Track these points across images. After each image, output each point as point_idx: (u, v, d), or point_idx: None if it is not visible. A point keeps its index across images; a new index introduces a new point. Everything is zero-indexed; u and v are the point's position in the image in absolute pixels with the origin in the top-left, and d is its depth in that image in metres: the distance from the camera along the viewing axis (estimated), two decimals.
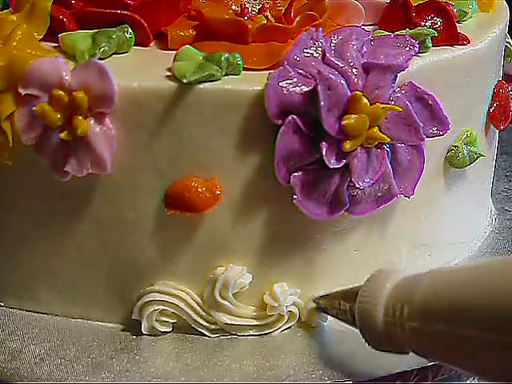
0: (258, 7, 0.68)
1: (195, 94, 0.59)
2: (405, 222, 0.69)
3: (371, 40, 0.63)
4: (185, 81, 0.58)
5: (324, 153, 0.59)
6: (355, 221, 0.65)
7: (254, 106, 0.59)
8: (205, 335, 0.65)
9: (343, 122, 0.58)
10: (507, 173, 0.93)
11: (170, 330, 0.65)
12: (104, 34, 0.62)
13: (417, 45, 0.63)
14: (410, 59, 0.63)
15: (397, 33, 0.65)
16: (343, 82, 0.59)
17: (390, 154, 0.63)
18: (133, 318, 0.65)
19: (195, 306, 0.64)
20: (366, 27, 0.69)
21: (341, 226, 0.65)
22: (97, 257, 0.64)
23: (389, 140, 0.61)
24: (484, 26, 0.73)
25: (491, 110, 0.73)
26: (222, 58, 0.60)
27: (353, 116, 0.59)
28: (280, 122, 0.59)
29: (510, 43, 0.81)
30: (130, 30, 0.64)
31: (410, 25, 0.67)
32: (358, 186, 0.61)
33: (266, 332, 0.66)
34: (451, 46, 0.67)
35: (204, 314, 0.64)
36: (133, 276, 0.64)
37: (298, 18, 0.65)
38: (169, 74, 0.59)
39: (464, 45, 0.68)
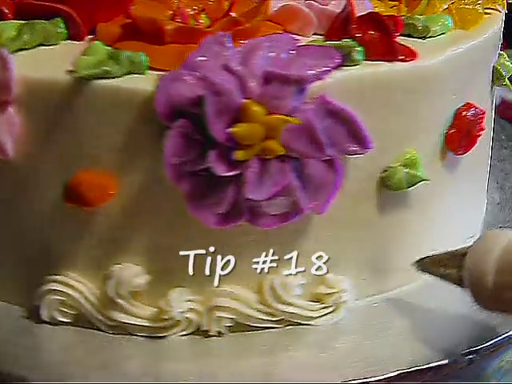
0: (198, 9, 0.67)
1: (91, 89, 0.59)
2: (325, 241, 0.66)
3: (292, 49, 0.61)
4: (77, 75, 0.58)
5: (211, 160, 0.58)
6: (263, 233, 0.63)
7: (147, 106, 0.58)
8: (102, 331, 0.65)
9: (229, 130, 0.57)
10: None
11: (71, 320, 0.66)
12: (29, 25, 0.64)
13: (339, 57, 0.61)
14: (328, 71, 0.60)
15: (321, 43, 0.63)
16: (234, 88, 0.57)
17: (297, 168, 0.60)
18: (35, 304, 0.66)
19: (93, 300, 0.65)
20: (315, 37, 0.67)
21: (244, 237, 0.63)
22: (7, 240, 0.66)
23: (283, 152, 0.58)
24: (450, 43, 0.68)
25: (448, 133, 0.69)
26: (123, 56, 0.60)
27: (242, 124, 0.57)
28: (170, 124, 0.58)
29: (504, 64, 0.76)
30: (61, 24, 0.65)
31: (346, 37, 0.64)
32: (250, 197, 0.59)
33: (162, 335, 0.65)
34: (390, 61, 0.64)
35: (101, 309, 0.65)
36: (39, 263, 0.66)
37: (220, 22, 0.64)
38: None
39: (406, 61, 0.64)
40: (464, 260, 0.62)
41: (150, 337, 0.65)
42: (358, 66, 0.63)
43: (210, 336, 0.65)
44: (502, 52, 0.77)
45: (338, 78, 0.61)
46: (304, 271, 0.66)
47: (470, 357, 0.64)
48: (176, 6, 0.66)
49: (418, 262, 0.67)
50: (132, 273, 0.63)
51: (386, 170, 0.66)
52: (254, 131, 0.57)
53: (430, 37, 0.69)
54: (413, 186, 0.67)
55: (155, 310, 0.64)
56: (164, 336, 0.65)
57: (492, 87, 0.76)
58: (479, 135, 0.71)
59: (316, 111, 0.60)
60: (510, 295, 0.59)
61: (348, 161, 0.63)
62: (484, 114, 0.71)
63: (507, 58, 0.78)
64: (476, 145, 0.72)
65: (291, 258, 0.65)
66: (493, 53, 0.74)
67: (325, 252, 0.66)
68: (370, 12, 0.65)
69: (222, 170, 0.58)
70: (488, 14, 0.76)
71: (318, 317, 0.67)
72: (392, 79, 0.63)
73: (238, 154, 0.58)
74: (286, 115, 0.58)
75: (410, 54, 0.65)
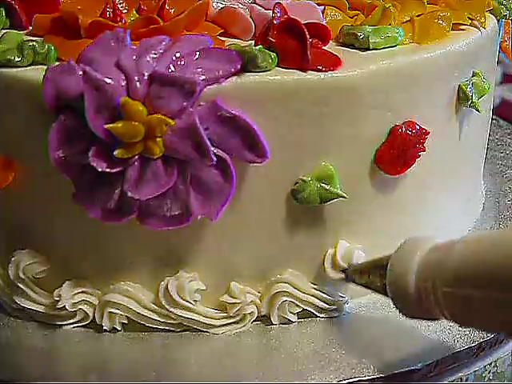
0: (134, 6, 0.68)
1: None
2: (228, 249, 0.65)
3: (197, 51, 0.60)
4: None
5: (91, 155, 0.58)
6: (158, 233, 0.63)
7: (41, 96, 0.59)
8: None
9: (106, 126, 0.57)
10: None
11: None
12: None
13: (239, 62, 0.59)
14: (225, 76, 0.59)
15: (228, 47, 0.62)
16: (117, 85, 0.57)
17: (187, 172, 0.60)
18: None
19: (1, 282, 0.67)
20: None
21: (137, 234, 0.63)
22: None
23: (162, 153, 0.58)
24: (387, 56, 0.65)
25: (378, 151, 0.65)
26: (26, 47, 0.61)
27: (121, 122, 0.57)
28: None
29: (476, 84, 0.71)
30: (2, 12, 0.67)
31: (265, 44, 0.63)
32: (130, 195, 0.59)
33: (59, 323, 0.66)
34: (303, 70, 0.61)
35: (6, 292, 0.67)
36: None
37: (133, 18, 0.64)
38: None
39: (322, 71, 0.61)
40: (386, 268, 0.61)
41: (48, 324, 0.66)
42: (265, 73, 0.61)
43: (105, 331, 0.65)
44: (478, 71, 0.72)
45: (239, 84, 0.60)
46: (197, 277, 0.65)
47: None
48: (110, 2, 0.67)
49: (343, 271, 0.67)
50: (31, 259, 0.64)
51: (297, 183, 0.63)
52: (134, 129, 0.57)
53: (374, 48, 0.66)
54: (327, 201, 0.64)
55: (52, 298, 0.65)
56: (60, 325, 0.66)
57: (459, 107, 0.71)
58: (417, 156, 0.66)
59: (204, 115, 0.59)
60: (429, 302, 0.58)
61: (253, 169, 0.61)
62: (427, 134, 0.66)
63: (484, 78, 0.72)
64: (426, 166, 0.68)
65: (191, 262, 0.65)
66: (454, 71, 0.69)
67: (228, 260, 0.65)
68: (290, 19, 0.63)
69: (102, 166, 0.58)
70: (462, 30, 0.71)
71: (219, 325, 0.66)
72: (302, 88, 0.61)
73: (118, 152, 0.58)
74: (170, 116, 0.57)
75: (331, 65, 0.62)
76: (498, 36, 0.78)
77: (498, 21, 0.77)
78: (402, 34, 0.67)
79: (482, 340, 0.67)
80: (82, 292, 0.65)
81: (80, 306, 0.65)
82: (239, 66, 0.60)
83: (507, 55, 0.84)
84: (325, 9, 0.70)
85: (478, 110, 0.71)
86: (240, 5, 0.69)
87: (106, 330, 0.66)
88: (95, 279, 0.65)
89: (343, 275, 0.67)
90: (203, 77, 0.58)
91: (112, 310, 0.64)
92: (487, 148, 0.87)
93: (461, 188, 0.77)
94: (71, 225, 0.64)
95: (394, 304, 0.61)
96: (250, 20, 0.67)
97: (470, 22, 0.72)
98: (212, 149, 0.58)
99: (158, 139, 0.58)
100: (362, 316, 0.69)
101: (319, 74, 0.61)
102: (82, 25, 0.63)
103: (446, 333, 0.68)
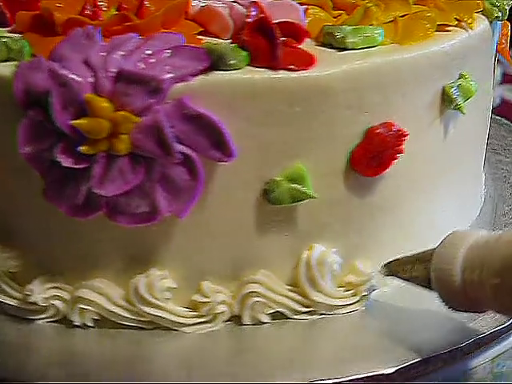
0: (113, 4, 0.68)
1: None
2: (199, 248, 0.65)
3: (168, 49, 0.60)
4: None
5: (57, 151, 0.59)
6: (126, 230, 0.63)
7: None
8: None
9: (71, 122, 0.57)
10: None
11: None
12: None
13: (207, 60, 0.59)
14: (192, 74, 0.59)
15: (200, 45, 0.61)
16: (83, 82, 0.58)
17: (155, 170, 0.60)
18: None
19: None
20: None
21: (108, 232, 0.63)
22: None
23: (127, 150, 0.58)
24: (363, 56, 0.64)
25: (354, 152, 0.65)
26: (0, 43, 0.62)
27: (87, 118, 0.57)
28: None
29: (461, 86, 0.70)
30: None
31: (239, 42, 0.62)
32: (96, 192, 0.59)
33: (31, 318, 0.67)
34: (274, 69, 0.61)
35: None
36: None
37: (108, 15, 0.64)
38: None
39: (294, 70, 0.61)
40: (430, 261, 0.62)
41: (21, 318, 0.67)
42: (236, 71, 0.60)
43: (77, 327, 0.66)
44: (465, 73, 0.71)
45: (207, 82, 0.60)
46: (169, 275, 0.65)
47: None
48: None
49: (385, 265, 0.67)
50: (4, 254, 0.65)
51: (268, 182, 0.63)
52: (99, 126, 0.57)
53: (353, 48, 0.65)
54: (297, 201, 0.63)
55: (24, 292, 0.66)
56: (33, 319, 0.66)
57: (443, 109, 0.70)
58: (395, 158, 0.65)
59: (170, 113, 0.59)
60: (475, 294, 0.59)
61: (223, 167, 0.61)
62: (405, 135, 0.65)
63: (471, 81, 0.71)
64: (404, 165, 0.67)
65: (162, 260, 0.65)
66: (437, 72, 0.68)
67: (198, 259, 0.65)
68: (262, 17, 0.62)
69: (68, 162, 0.59)
70: (448, 31, 0.70)
71: (190, 324, 0.66)
72: (272, 87, 0.61)
73: (84, 148, 0.58)
74: (136, 114, 0.58)
75: (304, 64, 0.62)
76: (492, 37, 0.77)
77: (491, 22, 0.75)
78: (382, 34, 0.66)
79: (481, 339, 0.66)
80: (54, 287, 0.65)
81: (52, 301, 0.65)
82: (207, 64, 0.60)
83: (504, 57, 0.83)
84: (307, 8, 0.70)
85: (462, 113, 0.70)
86: (221, 3, 0.69)
87: (77, 326, 0.66)
88: (68, 275, 0.66)
89: (386, 269, 0.67)
90: (170, 74, 0.58)
91: (83, 306, 0.65)
92: (492, 152, 0.86)
93: (449, 191, 0.76)
94: (43, 220, 0.64)
95: (440, 297, 0.62)
96: (229, 19, 0.67)
97: (456, 22, 0.71)
98: (178, 146, 0.58)
99: (123, 136, 0.58)
100: (335, 318, 0.68)
101: (290, 73, 0.61)
102: (58, 22, 0.64)
103: (445, 332, 0.66)
